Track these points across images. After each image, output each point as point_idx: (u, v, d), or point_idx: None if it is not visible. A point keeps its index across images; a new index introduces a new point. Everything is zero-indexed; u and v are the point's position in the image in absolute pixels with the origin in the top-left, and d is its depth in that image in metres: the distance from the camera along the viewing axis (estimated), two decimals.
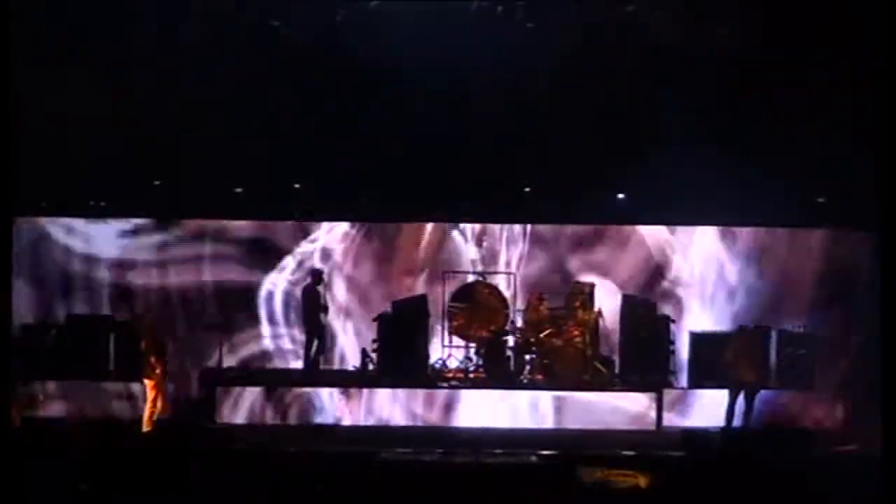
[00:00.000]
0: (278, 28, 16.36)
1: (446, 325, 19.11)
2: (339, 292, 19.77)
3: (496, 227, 19.99)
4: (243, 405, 17.41)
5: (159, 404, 16.21)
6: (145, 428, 16.10)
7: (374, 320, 18.60)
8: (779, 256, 19.53)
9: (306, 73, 16.80)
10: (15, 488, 10.95)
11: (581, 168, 17.99)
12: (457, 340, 19.09)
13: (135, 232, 19.68)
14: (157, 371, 16.24)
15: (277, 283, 19.83)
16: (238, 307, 19.59)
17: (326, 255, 19.86)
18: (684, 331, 19.01)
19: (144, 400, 16.46)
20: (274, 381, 17.98)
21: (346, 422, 17.36)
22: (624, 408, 17.46)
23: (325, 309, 18.73)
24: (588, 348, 18.37)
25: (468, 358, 18.69)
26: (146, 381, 16.33)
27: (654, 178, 17.69)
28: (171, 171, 18.21)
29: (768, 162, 17.26)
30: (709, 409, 17.35)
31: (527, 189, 19.02)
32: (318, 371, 18.61)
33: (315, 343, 18.62)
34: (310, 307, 18.64)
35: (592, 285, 19.18)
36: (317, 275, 18.79)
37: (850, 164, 16.28)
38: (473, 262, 19.93)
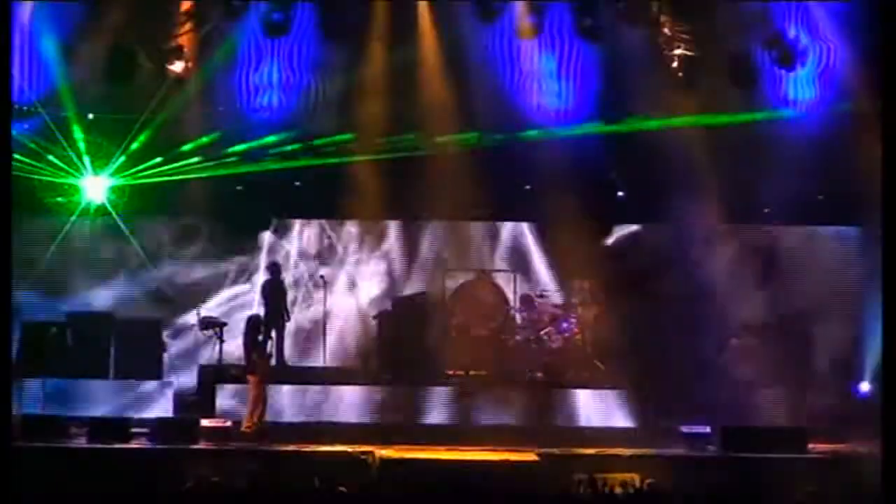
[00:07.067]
0: None
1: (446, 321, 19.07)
2: None
3: None
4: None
5: (261, 402, 16.20)
6: (245, 426, 16.11)
7: (374, 318, 18.60)
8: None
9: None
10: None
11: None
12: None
13: None
14: (260, 368, 16.29)
15: None
16: None
17: None
18: None
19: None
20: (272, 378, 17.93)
21: None
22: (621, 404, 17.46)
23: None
24: (588, 346, 18.36)
25: None
26: (249, 378, 16.35)
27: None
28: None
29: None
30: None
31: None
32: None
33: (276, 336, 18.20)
34: (275, 302, 18.38)
35: (593, 282, 19.14)
36: (275, 268, 18.62)
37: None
38: None
